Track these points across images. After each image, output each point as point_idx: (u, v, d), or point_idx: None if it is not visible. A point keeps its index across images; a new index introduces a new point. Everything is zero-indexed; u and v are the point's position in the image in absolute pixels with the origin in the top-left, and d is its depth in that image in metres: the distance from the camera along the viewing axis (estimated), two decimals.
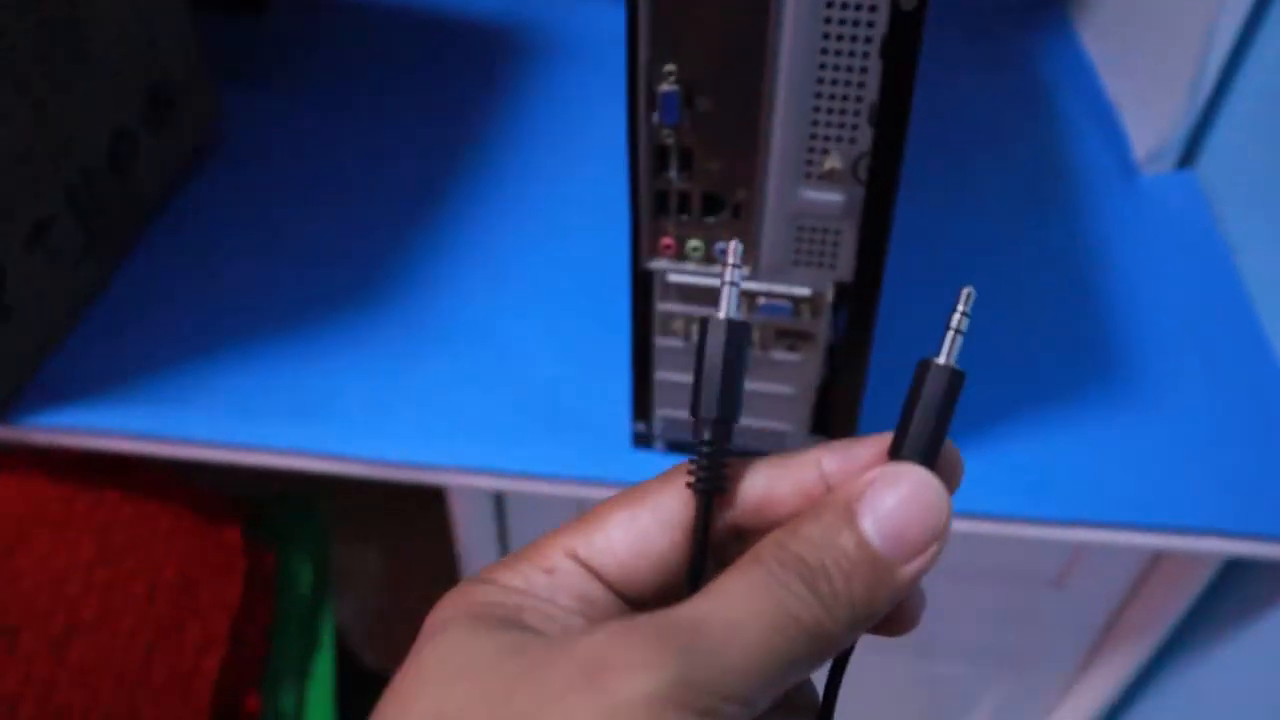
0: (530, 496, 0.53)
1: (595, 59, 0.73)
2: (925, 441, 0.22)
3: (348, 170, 0.64)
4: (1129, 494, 0.48)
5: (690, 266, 0.40)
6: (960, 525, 0.48)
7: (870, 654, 0.69)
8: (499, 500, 0.56)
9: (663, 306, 0.41)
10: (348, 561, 0.66)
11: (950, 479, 0.23)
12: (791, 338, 0.41)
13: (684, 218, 0.38)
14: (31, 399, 0.50)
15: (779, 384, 0.43)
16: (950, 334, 0.23)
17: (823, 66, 0.33)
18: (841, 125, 0.35)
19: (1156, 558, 0.58)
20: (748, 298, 0.40)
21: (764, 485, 0.23)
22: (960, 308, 0.23)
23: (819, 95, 0.34)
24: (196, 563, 0.53)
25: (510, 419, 0.50)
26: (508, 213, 0.61)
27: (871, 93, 0.34)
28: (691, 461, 0.23)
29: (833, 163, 0.35)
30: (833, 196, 0.36)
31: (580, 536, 0.23)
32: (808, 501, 0.23)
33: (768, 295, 0.40)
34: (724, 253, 0.24)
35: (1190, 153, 0.66)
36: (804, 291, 0.39)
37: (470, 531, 0.57)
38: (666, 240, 0.39)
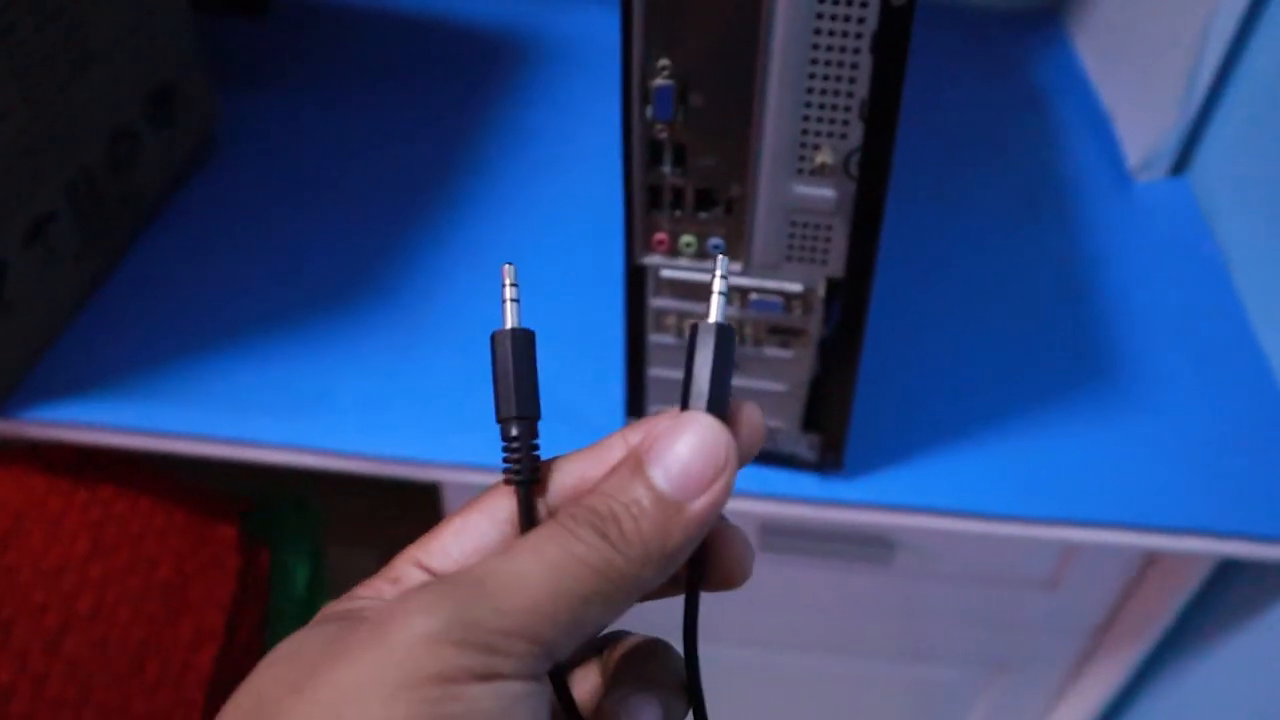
0: None
1: (590, 61, 0.74)
2: (707, 391, 0.24)
3: (345, 170, 0.65)
4: (1122, 494, 0.48)
5: (683, 262, 0.40)
6: (953, 524, 0.48)
7: (860, 658, 0.69)
8: None
9: (656, 302, 0.41)
10: (343, 559, 0.66)
11: (747, 433, 0.24)
12: (783, 334, 0.41)
13: (677, 213, 0.39)
14: (28, 394, 0.50)
15: (771, 380, 0.43)
16: (715, 296, 0.25)
17: (814, 62, 0.34)
18: (833, 121, 0.35)
19: (1150, 558, 0.58)
20: (740, 293, 0.40)
21: (578, 472, 0.25)
22: (719, 272, 0.25)
23: (810, 90, 0.34)
24: (190, 559, 0.53)
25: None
26: (503, 211, 0.62)
27: (862, 88, 0.34)
28: (505, 460, 0.25)
29: (824, 158, 0.36)
30: (824, 192, 0.37)
31: (421, 547, 0.24)
32: None
33: (759, 291, 0.40)
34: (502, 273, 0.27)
35: (1183, 160, 0.66)
36: (796, 287, 0.40)
37: None
38: (660, 236, 0.39)
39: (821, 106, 0.35)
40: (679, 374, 0.44)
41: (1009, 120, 0.71)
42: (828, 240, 0.38)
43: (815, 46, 0.33)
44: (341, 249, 0.59)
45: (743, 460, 0.24)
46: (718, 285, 0.25)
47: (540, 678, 0.21)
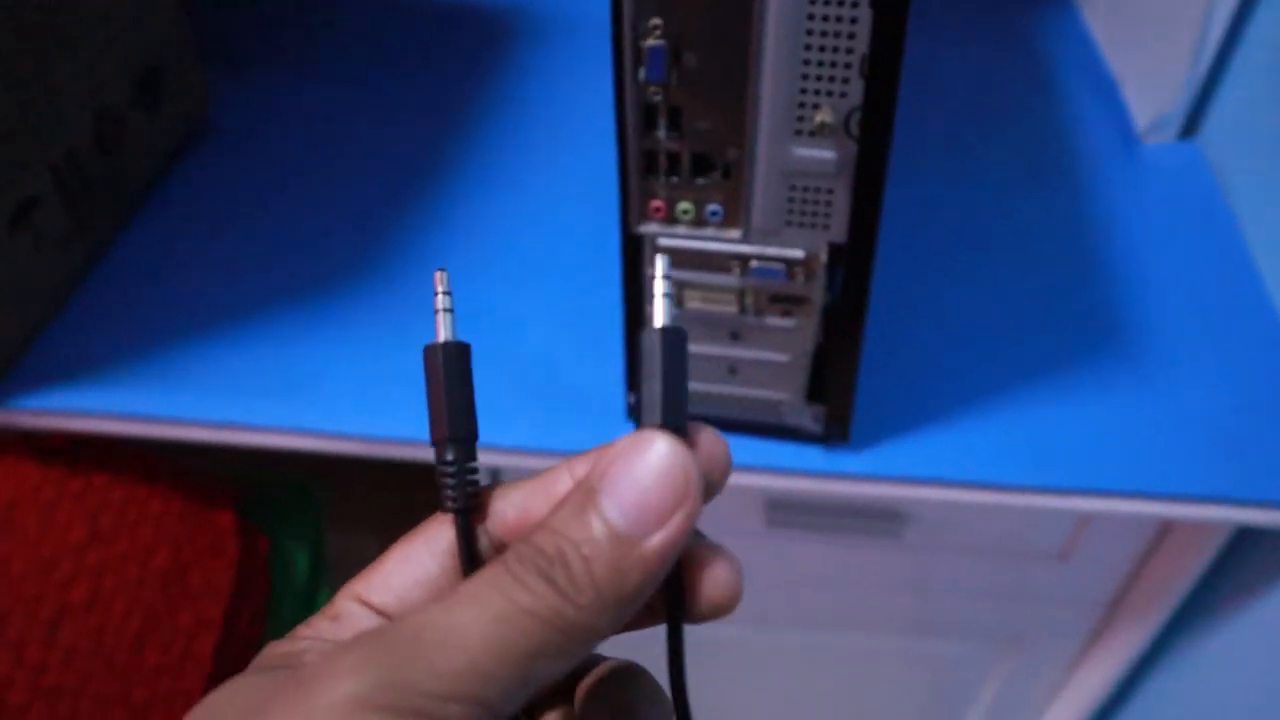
0: (526, 472, 0.52)
1: (584, 33, 0.73)
2: (660, 404, 0.21)
3: (336, 150, 0.63)
4: (1136, 462, 0.47)
5: (681, 230, 0.39)
6: (965, 496, 0.47)
7: (870, 634, 0.68)
8: (494, 476, 0.55)
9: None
10: (344, 546, 0.65)
11: (707, 462, 0.21)
12: (785, 302, 0.40)
13: (674, 179, 0.37)
14: (18, 382, 0.49)
15: (773, 351, 0.42)
16: (659, 299, 0.22)
17: (811, 17, 0.33)
18: (832, 79, 0.34)
19: (1164, 528, 0.57)
20: (740, 260, 0.39)
21: (519, 501, 0.23)
22: (659, 273, 0.22)
23: (809, 47, 0.33)
24: (188, 546, 0.52)
25: (504, 394, 0.49)
26: (499, 189, 0.60)
27: (862, 44, 0.33)
28: (441, 486, 0.23)
29: (824, 117, 0.34)
30: (825, 153, 0.35)
31: (362, 581, 0.23)
32: None
33: (760, 258, 0.39)
34: (435, 292, 0.24)
35: (1193, 123, 0.65)
36: (797, 253, 0.38)
37: None
38: (656, 203, 0.38)
39: (820, 63, 0.33)
40: None
41: (1015, 87, 0.70)
42: (829, 204, 0.37)
43: (813, 0, 0.32)
44: (333, 230, 0.58)
45: (707, 494, 0.21)
46: (660, 287, 0.22)
47: None
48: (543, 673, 0.19)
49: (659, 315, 0.22)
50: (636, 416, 0.22)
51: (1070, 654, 0.68)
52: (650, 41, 0.34)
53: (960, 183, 0.62)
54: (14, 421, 0.49)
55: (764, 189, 0.37)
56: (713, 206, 0.38)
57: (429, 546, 0.23)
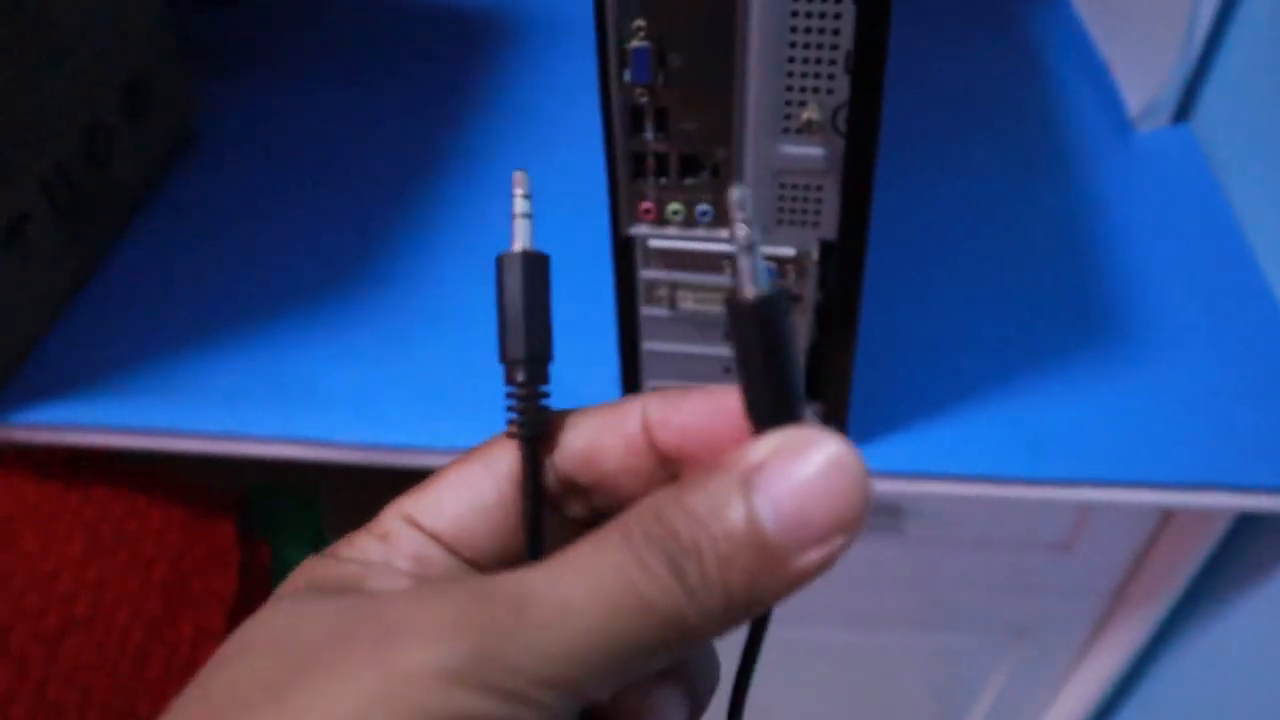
0: None
1: (571, 35, 0.72)
2: (789, 394, 0.19)
3: (327, 157, 0.63)
4: (1136, 451, 0.47)
5: (672, 231, 0.39)
6: (964, 489, 0.47)
7: (873, 630, 0.68)
8: None
9: (646, 274, 0.40)
10: None
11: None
12: None
13: (663, 181, 0.37)
14: (15, 396, 0.49)
15: None
16: (740, 266, 0.19)
17: (795, 14, 0.32)
18: (817, 75, 0.34)
19: (1166, 516, 0.57)
20: (731, 260, 0.39)
21: (589, 433, 0.21)
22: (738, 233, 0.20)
23: (793, 45, 0.33)
24: (189, 556, 0.52)
25: (499, 397, 0.49)
26: (490, 192, 0.60)
27: (846, 40, 0.33)
28: (509, 409, 0.22)
29: (810, 114, 0.34)
30: (813, 150, 0.35)
31: (413, 499, 0.22)
32: (634, 454, 0.21)
33: None
34: (512, 183, 0.23)
35: (1185, 106, 0.64)
36: (788, 252, 0.38)
37: None
38: (646, 205, 0.38)
39: (805, 61, 0.33)
40: (673, 347, 0.43)
41: (1004, 76, 0.70)
42: (819, 201, 0.37)
43: None
44: (326, 237, 0.58)
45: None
46: (736, 258, 0.19)
47: None
48: (641, 668, 0.17)
49: (518, 239, 0.22)
50: (754, 403, 0.19)
51: (1076, 644, 0.68)
52: (634, 43, 0.34)
53: (952, 173, 0.62)
54: (11, 436, 0.49)
55: (753, 188, 0.37)
56: (703, 207, 0.38)
57: (489, 470, 0.21)
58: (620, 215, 0.39)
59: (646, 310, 0.42)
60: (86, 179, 0.53)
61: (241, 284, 0.55)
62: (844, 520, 0.17)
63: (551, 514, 0.22)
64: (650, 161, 0.37)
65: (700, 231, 0.38)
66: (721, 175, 0.37)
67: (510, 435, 0.21)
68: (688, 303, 0.41)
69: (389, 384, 0.50)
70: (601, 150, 0.37)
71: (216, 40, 0.73)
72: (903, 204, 0.59)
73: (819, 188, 0.36)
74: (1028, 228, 0.58)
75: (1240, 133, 0.60)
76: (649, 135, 0.36)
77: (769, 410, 0.19)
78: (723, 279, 0.40)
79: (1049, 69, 0.70)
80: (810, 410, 0.45)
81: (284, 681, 0.17)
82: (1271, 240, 0.55)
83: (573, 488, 0.22)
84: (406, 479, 0.54)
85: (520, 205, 0.23)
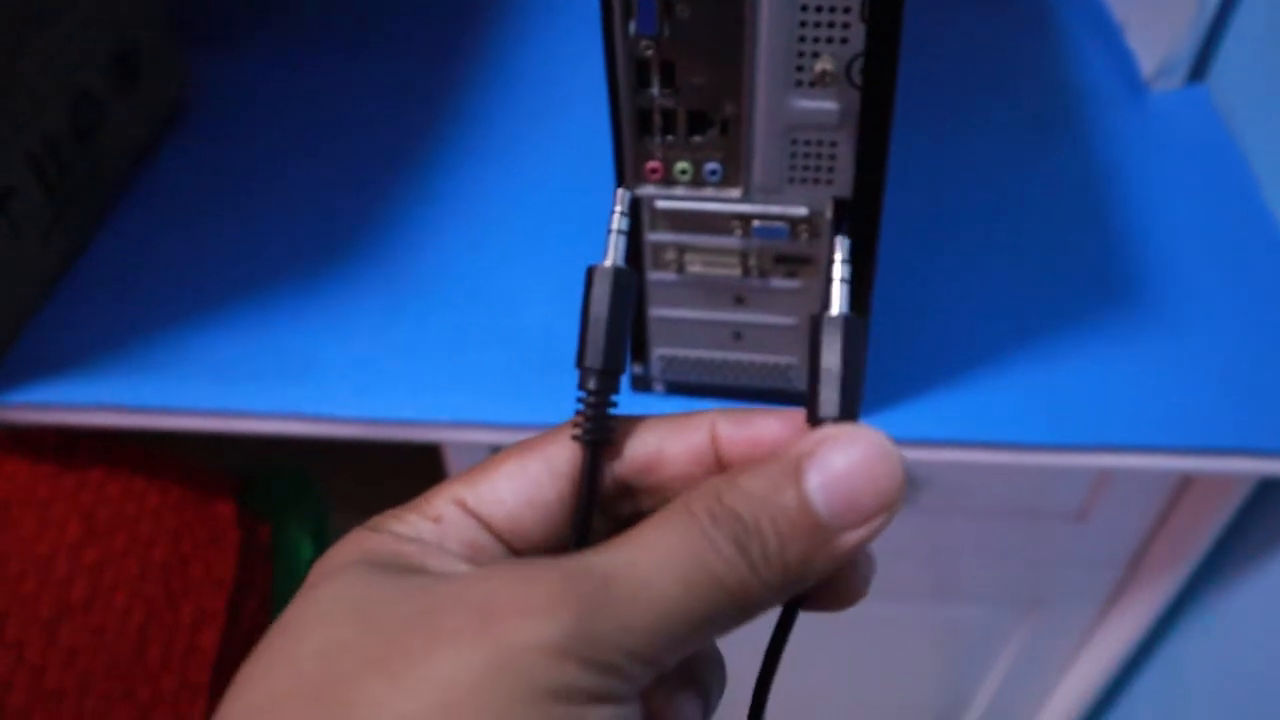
0: None
1: (572, 2, 0.71)
2: (851, 400, 0.21)
3: (321, 129, 0.62)
4: (1154, 415, 0.46)
5: (679, 191, 0.37)
6: (979, 457, 0.46)
7: (887, 601, 0.67)
8: (490, 451, 0.54)
9: (653, 236, 0.39)
10: (348, 530, 0.64)
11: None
12: (790, 263, 0.39)
13: (669, 139, 0.36)
14: (6, 376, 0.48)
15: (779, 314, 0.41)
16: (837, 283, 0.22)
17: None
18: (832, 24, 0.32)
19: (1184, 482, 0.56)
20: (741, 221, 0.38)
21: (655, 443, 0.22)
22: (839, 257, 0.22)
23: None
24: (188, 537, 0.51)
25: (503, 369, 0.48)
26: (488, 161, 0.59)
27: None
28: (578, 413, 0.22)
29: (824, 65, 0.33)
30: (826, 104, 0.34)
31: (468, 485, 0.22)
32: (698, 464, 0.22)
33: (762, 217, 0.37)
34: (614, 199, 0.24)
35: (1200, 66, 0.63)
36: (801, 211, 0.37)
37: None
38: (652, 164, 0.37)
39: (819, 9, 0.32)
40: (681, 313, 0.42)
41: (1017, 36, 0.68)
42: (833, 157, 0.35)
43: None
44: (322, 209, 0.56)
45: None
46: (839, 272, 0.22)
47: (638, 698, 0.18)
48: (708, 638, 0.19)
49: (610, 255, 0.22)
50: (820, 406, 0.21)
51: (1091, 615, 0.67)
52: None
53: (964, 136, 0.60)
54: (4, 417, 0.48)
55: (764, 144, 0.35)
56: (711, 165, 0.36)
57: (548, 467, 0.22)
58: (626, 175, 0.37)
59: (653, 275, 0.40)
60: (74, 153, 0.52)
61: (236, 258, 0.54)
62: (885, 501, 0.20)
63: (598, 513, 0.23)
64: (656, 118, 0.35)
65: (709, 191, 0.37)
66: (730, 132, 0.35)
67: (575, 438, 0.22)
68: (696, 266, 0.39)
69: (389, 357, 0.48)
70: (605, 112, 0.36)
71: (205, 9, 0.71)
72: (914, 166, 0.57)
73: (833, 143, 0.35)
74: (1041, 190, 0.57)
75: (1256, 92, 0.58)
76: (655, 90, 0.35)
77: (831, 410, 0.21)
78: (732, 241, 0.38)
79: (1062, 29, 0.68)
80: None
81: (386, 654, 0.17)
82: None
83: (626, 491, 0.23)
84: (408, 454, 0.53)
85: (618, 222, 0.24)
